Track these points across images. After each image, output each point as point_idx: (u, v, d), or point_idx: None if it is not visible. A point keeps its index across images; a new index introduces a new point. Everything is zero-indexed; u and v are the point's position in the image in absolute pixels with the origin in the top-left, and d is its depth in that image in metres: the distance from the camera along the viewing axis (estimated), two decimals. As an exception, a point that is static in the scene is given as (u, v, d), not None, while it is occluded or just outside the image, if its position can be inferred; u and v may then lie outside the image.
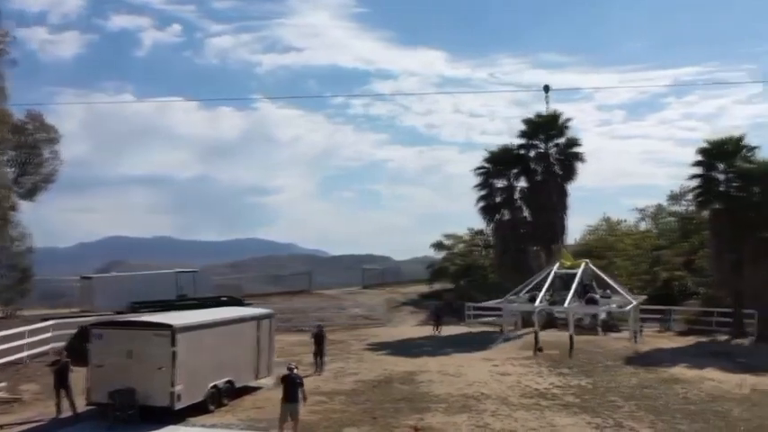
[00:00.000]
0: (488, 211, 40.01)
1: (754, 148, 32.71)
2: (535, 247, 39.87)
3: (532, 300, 30.05)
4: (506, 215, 39.62)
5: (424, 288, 49.97)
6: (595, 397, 20.38)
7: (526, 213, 39.55)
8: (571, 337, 27.51)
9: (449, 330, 37.36)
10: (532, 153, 39.82)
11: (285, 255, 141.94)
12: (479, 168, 40.37)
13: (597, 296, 29.83)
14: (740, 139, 32.85)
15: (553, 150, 39.33)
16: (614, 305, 30.46)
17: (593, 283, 31.26)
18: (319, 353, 24.09)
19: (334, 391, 21.09)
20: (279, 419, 15.89)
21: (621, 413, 18.40)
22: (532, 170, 39.55)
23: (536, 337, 27.86)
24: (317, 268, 67.45)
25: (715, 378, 22.84)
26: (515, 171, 39.81)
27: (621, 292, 30.98)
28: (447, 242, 50.08)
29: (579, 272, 30.21)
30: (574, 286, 29.15)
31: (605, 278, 31.72)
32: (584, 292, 29.84)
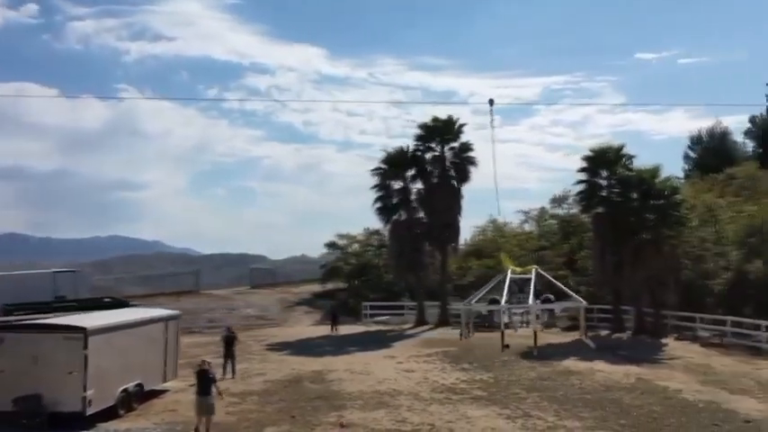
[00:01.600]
0: (385, 211, 40.68)
1: (633, 156, 35.40)
2: (429, 247, 40.96)
3: (496, 302, 31.86)
4: (403, 216, 40.46)
5: (316, 287, 50.04)
6: (500, 390, 21.31)
7: (422, 214, 40.57)
8: (535, 333, 29.33)
9: (346, 329, 37.76)
10: (428, 156, 40.91)
11: (151, 253, 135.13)
12: (376, 170, 41.03)
13: (552, 296, 32.58)
14: (620, 148, 35.44)
15: (448, 154, 40.61)
16: (566, 304, 33.21)
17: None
18: (229, 355, 23.60)
19: (246, 392, 20.82)
20: (195, 413, 15.95)
21: (527, 404, 19.35)
22: (428, 172, 40.64)
23: (502, 335, 29.09)
24: (187, 268, 65.28)
25: (604, 369, 24.48)
26: (412, 173, 40.78)
27: (571, 293, 33.29)
28: (340, 242, 50.40)
29: (533, 276, 32.85)
30: (532, 288, 31.51)
31: (555, 282, 34.44)
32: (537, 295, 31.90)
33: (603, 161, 35.02)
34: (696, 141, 62.01)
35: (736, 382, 22.25)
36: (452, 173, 40.42)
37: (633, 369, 24.43)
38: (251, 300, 48.28)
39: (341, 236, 50.41)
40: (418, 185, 40.88)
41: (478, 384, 22.17)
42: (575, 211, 48.27)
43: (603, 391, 21.08)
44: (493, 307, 32.60)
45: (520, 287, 32.48)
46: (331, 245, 50.46)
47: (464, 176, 40.34)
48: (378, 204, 40.75)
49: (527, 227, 51.26)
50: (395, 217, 40.60)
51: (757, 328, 28.15)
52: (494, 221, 50.83)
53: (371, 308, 42.29)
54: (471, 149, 40.23)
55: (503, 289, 31.57)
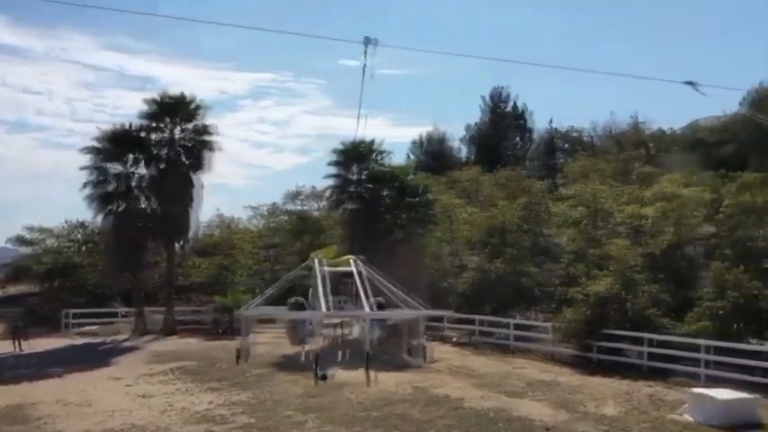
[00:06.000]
0: (99, 200, 33.92)
1: (384, 152, 34.26)
2: (154, 243, 35.29)
3: (301, 306, 23.29)
4: (122, 206, 34.08)
5: (-7, 291, 40.64)
6: (269, 413, 17.62)
7: (146, 204, 34.66)
8: (368, 354, 22.10)
9: (42, 344, 30.36)
10: (156, 137, 35.14)
11: None
12: (89, 149, 34.15)
13: (383, 300, 24.14)
14: (372, 143, 34.02)
15: (180, 136, 35.30)
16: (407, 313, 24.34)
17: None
18: None
19: None
20: None
21: (309, 429, 16.08)
22: (156, 156, 34.88)
23: (316, 361, 20.99)
24: None
25: (361, 379, 21.95)
26: (135, 156, 34.63)
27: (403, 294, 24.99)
28: (31, 236, 41.40)
29: (356, 270, 23.76)
30: (360, 287, 22.76)
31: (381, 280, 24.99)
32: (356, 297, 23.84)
33: (355, 156, 33.23)
34: (418, 145, 65.19)
35: (508, 384, 21.53)
36: (185, 158, 35.18)
37: (403, 376, 22.46)
38: None
39: (31, 229, 41.38)
40: (143, 171, 34.84)
41: (240, 408, 18.16)
42: (307, 207, 46.42)
43: (385, 405, 18.58)
44: (303, 314, 23.53)
45: (334, 286, 23.81)
46: (19, 240, 41.18)
47: (199, 162, 35.29)
48: (89, 191, 33.84)
49: (255, 223, 47.86)
50: (112, 207, 34.02)
51: (506, 326, 28.52)
52: (220, 216, 46.53)
53: (75, 316, 35.02)
54: (211, 133, 35.34)
55: (312, 289, 23.76)
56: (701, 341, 21.47)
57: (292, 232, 44.27)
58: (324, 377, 20.88)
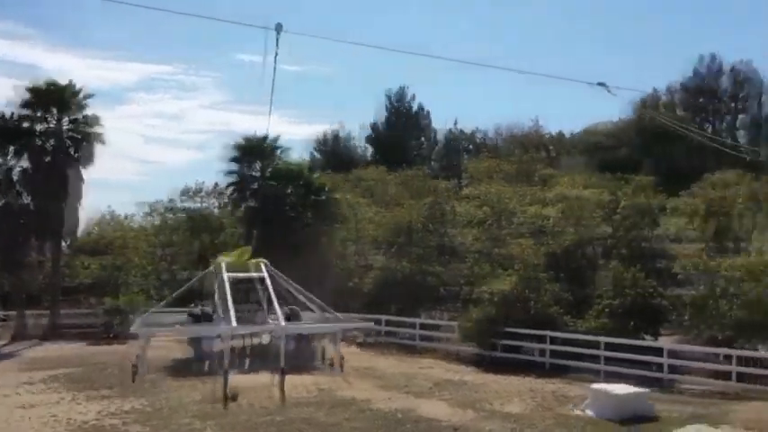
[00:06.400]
0: (-28, 194, 31.23)
1: (288, 149, 33.35)
2: (37, 242, 32.80)
3: (206, 317, 19.81)
4: (1, 201, 31.45)
5: None
6: (165, 421, 16.53)
7: (29, 200, 32.13)
8: (282, 371, 19.23)
9: None
10: (39, 127, 32.67)
11: None
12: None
13: (297, 308, 21.22)
14: (275, 139, 33.06)
15: (68, 127, 32.96)
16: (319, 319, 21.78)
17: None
18: None
19: None
20: None
21: (210, 438, 15.15)
22: (40, 148, 32.40)
23: (225, 380, 18.11)
24: None
25: (263, 382, 21.04)
26: (16, 147, 32.06)
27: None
28: None
29: (267, 276, 20.57)
30: (273, 294, 19.54)
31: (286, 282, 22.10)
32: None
33: (257, 152, 32.08)
34: (321, 143, 64.29)
35: (414, 384, 21.28)
36: (72, 151, 32.87)
37: (308, 379, 21.69)
38: None
39: None
40: (25, 163, 32.28)
41: (134, 416, 16.94)
42: (206, 205, 44.72)
43: (289, 409, 17.86)
44: (209, 330, 19.92)
45: (244, 293, 20.70)
46: None
47: (87, 156, 33.05)
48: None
49: (151, 220, 45.47)
50: (-13, 202, 31.40)
51: (411, 326, 28.34)
52: (112, 213, 43.99)
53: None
54: (99, 124, 33.18)
55: (218, 297, 20.47)
56: (601, 338, 22.04)
57: (190, 231, 42.47)
58: (234, 398, 18.55)
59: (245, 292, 15.84)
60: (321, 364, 21.54)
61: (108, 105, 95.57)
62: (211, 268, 16.30)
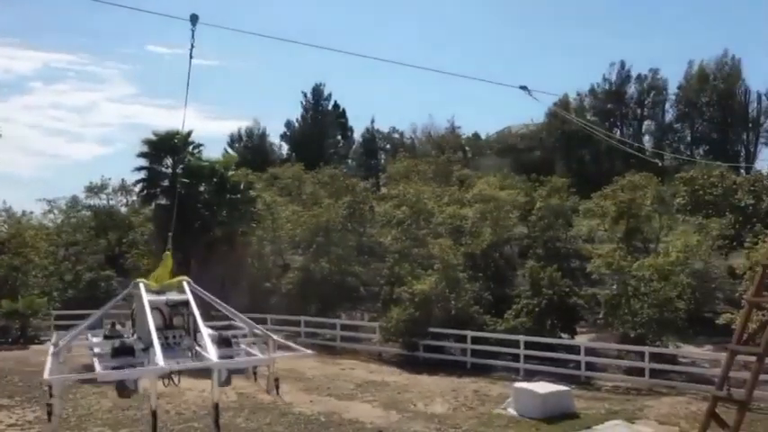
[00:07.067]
0: None
1: (201, 145, 32.12)
2: None
3: (126, 350, 15.30)
4: None
5: None
6: (77, 431, 15.57)
7: None
8: (216, 406, 16.11)
9: None
10: None
11: None
12: None
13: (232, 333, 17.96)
14: (188, 134, 31.64)
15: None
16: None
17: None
18: None
19: None
20: None
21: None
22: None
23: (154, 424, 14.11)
24: None
25: (192, 387, 20.30)
26: None
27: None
28: None
29: (189, 296, 16.89)
30: (197, 319, 15.59)
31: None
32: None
33: (168, 147, 30.73)
34: (236, 139, 62.78)
35: (337, 386, 20.93)
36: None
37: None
38: None
39: None
40: None
41: (37, 427, 15.81)
42: (114, 202, 42.79)
43: (207, 415, 16.88)
44: (135, 372, 12.79)
45: (167, 317, 16.78)
46: None
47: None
48: None
49: (52, 218, 43.02)
50: None
51: (332, 327, 27.94)
52: (8, 210, 41.17)
53: None
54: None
55: (138, 323, 16.69)
56: (520, 337, 22.37)
57: (96, 229, 40.45)
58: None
59: (169, 317, 13.14)
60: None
61: (3, 95, 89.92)
62: (131, 288, 13.37)
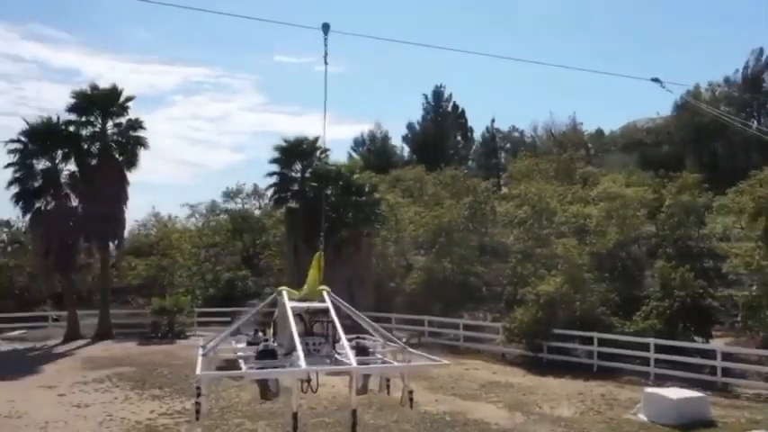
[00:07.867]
0: (25, 197, 32.09)
1: (328, 150, 33.49)
2: (86, 244, 33.54)
3: (269, 353, 16.36)
4: (51, 204, 32.25)
5: None
6: (216, 421, 16.77)
7: (77, 203, 32.88)
8: (354, 413, 16.83)
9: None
10: (86, 131, 33.42)
11: None
12: (13, 142, 32.24)
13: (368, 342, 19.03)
14: (315, 140, 33.16)
15: (112, 131, 33.65)
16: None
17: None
18: None
19: None
20: None
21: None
22: (86, 152, 33.15)
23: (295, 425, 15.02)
24: None
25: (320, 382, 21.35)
26: (64, 151, 32.82)
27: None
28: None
29: (329, 305, 17.41)
30: (337, 326, 16.21)
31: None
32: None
33: (298, 153, 32.29)
34: (359, 143, 64.61)
35: (461, 386, 21.23)
36: (117, 154, 33.54)
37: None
38: None
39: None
40: (72, 167, 33.08)
41: (185, 417, 17.22)
42: (248, 205, 45.25)
43: (338, 411, 17.87)
44: (279, 372, 13.73)
45: (308, 324, 17.64)
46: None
47: (132, 159, 33.67)
48: (14, 188, 31.99)
49: (194, 221, 46.23)
50: (40, 205, 32.19)
51: (455, 327, 28.26)
52: (156, 215, 44.78)
53: (0, 320, 32.93)
54: (142, 128, 33.75)
55: (279, 328, 17.50)
56: (650, 340, 21.66)
57: (233, 231, 43.04)
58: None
59: (310, 324, 13.81)
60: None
61: (149, 109, 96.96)
62: (275, 296, 13.88)
